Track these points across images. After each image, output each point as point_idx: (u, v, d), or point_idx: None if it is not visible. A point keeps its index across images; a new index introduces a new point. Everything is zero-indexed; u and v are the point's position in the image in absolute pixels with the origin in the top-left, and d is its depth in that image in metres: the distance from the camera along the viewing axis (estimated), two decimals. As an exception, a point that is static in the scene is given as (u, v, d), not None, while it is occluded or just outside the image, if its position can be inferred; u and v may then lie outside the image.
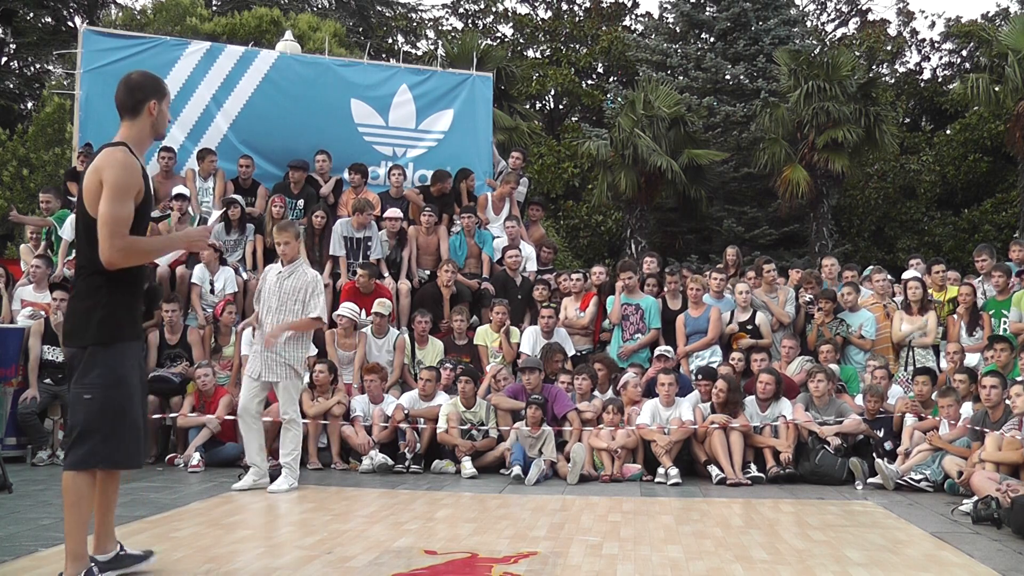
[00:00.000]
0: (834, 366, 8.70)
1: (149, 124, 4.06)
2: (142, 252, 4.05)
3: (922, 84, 26.88)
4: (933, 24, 38.95)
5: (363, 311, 9.11)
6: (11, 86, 25.12)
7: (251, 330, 8.97)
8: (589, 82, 28.30)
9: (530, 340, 9.25)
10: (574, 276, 10.04)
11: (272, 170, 11.03)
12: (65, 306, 8.19)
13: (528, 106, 24.27)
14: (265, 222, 10.21)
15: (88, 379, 3.87)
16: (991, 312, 9.05)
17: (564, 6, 30.39)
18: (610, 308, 9.55)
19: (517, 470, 7.51)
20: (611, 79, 26.82)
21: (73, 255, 9.52)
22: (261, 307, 7.02)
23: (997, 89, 17.46)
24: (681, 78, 22.26)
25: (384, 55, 21.98)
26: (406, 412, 8.21)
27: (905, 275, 10.38)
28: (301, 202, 10.60)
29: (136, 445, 4.00)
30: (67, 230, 9.62)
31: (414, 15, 30.27)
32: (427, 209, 10.42)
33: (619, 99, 21.87)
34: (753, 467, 7.79)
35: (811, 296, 9.65)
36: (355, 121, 11.56)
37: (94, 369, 3.87)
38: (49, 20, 25.49)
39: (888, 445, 7.92)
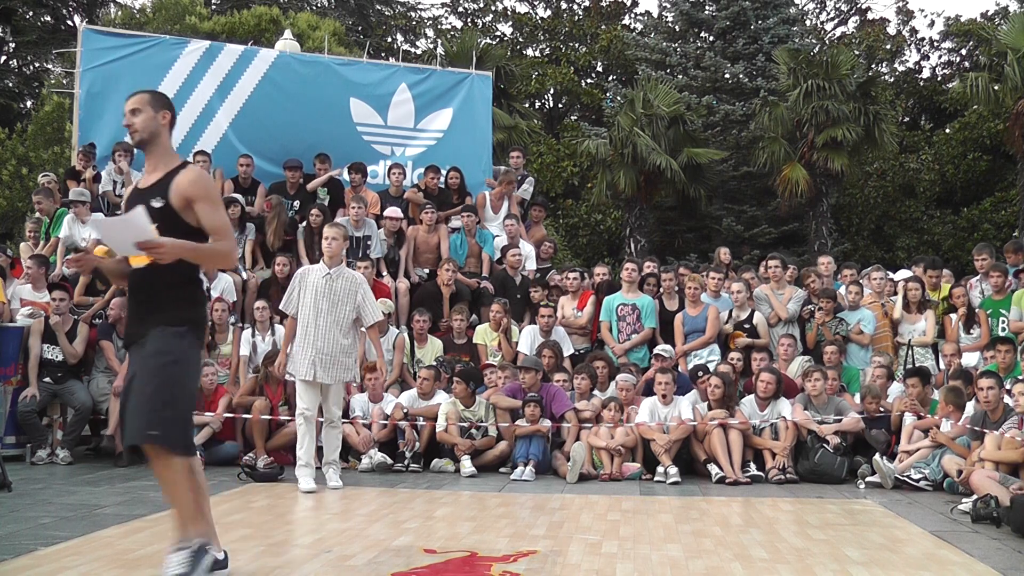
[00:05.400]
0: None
1: None
2: None
3: (921, 83, 26.86)
4: (932, 23, 38.92)
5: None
6: (10, 85, 25.06)
7: (250, 331, 9.01)
8: (588, 81, 28.26)
9: (528, 339, 9.24)
10: (571, 275, 10.00)
11: (271, 169, 11.00)
12: (63, 306, 8.33)
13: (527, 105, 24.23)
14: (267, 222, 10.21)
15: None
16: (988, 311, 9.05)
17: (563, 5, 30.34)
18: (607, 308, 9.49)
19: (520, 470, 7.58)
20: (610, 78, 26.78)
21: (72, 255, 9.57)
22: (307, 309, 6.95)
23: (996, 88, 17.42)
24: (680, 77, 22.22)
25: (383, 54, 21.95)
26: (405, 411, 8.20)
27: (898, 276, 10.38)
28: (297, 203, 10.59)
29: None
30: (64, 229, 9.59)
31: (413, 14, 30.27)
32: (429, 207, 10.43)
33: (618, 98, 21.82)
34: (752, 466, 7.79)
35: (811, 297, 9.60)
36: (354, 120, 11.56)
37: None
38: (48, 19, 25.43)
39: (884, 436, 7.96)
